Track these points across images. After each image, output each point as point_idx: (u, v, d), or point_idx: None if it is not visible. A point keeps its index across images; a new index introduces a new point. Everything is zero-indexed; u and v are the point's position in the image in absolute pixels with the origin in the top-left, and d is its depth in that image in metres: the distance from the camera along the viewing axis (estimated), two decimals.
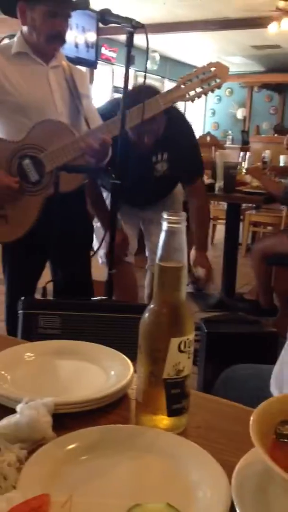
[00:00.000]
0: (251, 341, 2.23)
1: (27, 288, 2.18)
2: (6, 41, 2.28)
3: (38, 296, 2.12)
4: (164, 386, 0.72)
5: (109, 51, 9.39)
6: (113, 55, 9.56)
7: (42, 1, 1.99)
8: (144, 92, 2.09)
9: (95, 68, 7.79)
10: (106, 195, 2.51)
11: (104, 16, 1.93)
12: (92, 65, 7.51)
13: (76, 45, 7.02)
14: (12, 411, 0.72)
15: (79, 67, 2.44)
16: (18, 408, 0.71)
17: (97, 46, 7.58)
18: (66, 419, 0.74)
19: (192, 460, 0.66)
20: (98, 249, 2.32)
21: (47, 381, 0.89)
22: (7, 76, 2.04)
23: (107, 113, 2.28)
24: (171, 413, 0.74)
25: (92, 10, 2.07)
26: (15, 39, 2.11)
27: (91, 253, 2.38)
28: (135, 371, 0.81)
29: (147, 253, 2.85)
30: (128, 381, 0.84)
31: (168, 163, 2.47)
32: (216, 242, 5.99)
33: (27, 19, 2.03)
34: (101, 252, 2.44)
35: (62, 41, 2.10)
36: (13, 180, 2.03)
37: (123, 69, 2.03)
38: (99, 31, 7.36)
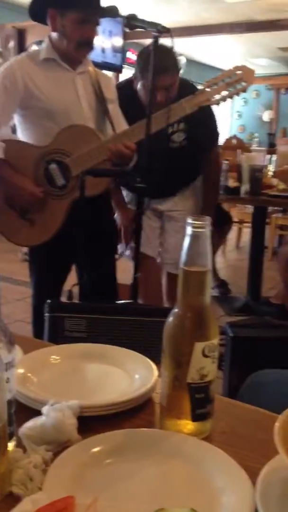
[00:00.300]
0: (277, 345, 2.20)
1: (54, 291, 2.20)
2: (34, 47, 2.31)
3: (64, 299, 2.14)
4: (188, 390, 0.72)
5: (136, 55, 9.43)
6: None
7: (72, 8, 2.01)
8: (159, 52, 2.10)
9: (121, 72, 7.82)
10: (125, 193, 2.53)
11: (130, 21, 1.95)
12: (118, 69, 7.55)
13: (103, 50, 7.06)
14: (38, 413, 0.73)
15: (104, 71, 2.46)
16: (44, 410, 0.72)
17: (123, 51, 7.61)
18: (91, 422, 0.75)
19: (216, 465, 0.66)
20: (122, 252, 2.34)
21: (73, 383, 0.90)
22: (35, 82, 2.07)
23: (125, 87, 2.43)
24: (195, 417, 0.73)
25: (119, 15, 2.08)
26: (43, 45, 2.14)
27: (116, 256, 2.40)
28: (159, 375, 0.81)
29: (159, 249, 2.83)
30: (153, 385, 0.85)
31: (185, 133, 2.47)
32: (242, 245, 5.95)
33: (57, 25, 2.06)
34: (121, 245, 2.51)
35: (91, 48, 2.12)
36: (38, 190, 2.06)
37: None
38: (125, 36, 7.40)
